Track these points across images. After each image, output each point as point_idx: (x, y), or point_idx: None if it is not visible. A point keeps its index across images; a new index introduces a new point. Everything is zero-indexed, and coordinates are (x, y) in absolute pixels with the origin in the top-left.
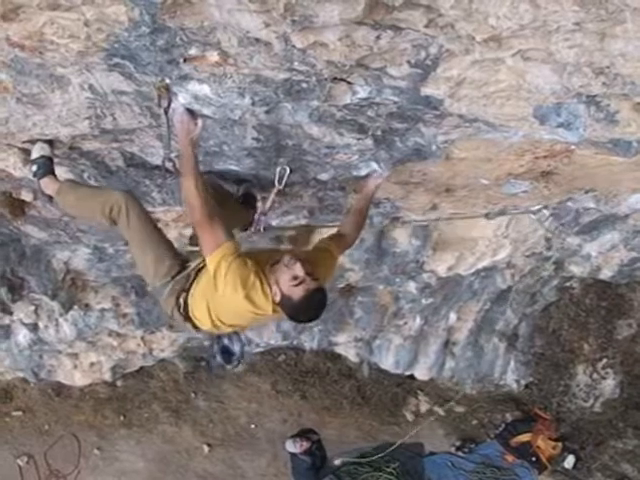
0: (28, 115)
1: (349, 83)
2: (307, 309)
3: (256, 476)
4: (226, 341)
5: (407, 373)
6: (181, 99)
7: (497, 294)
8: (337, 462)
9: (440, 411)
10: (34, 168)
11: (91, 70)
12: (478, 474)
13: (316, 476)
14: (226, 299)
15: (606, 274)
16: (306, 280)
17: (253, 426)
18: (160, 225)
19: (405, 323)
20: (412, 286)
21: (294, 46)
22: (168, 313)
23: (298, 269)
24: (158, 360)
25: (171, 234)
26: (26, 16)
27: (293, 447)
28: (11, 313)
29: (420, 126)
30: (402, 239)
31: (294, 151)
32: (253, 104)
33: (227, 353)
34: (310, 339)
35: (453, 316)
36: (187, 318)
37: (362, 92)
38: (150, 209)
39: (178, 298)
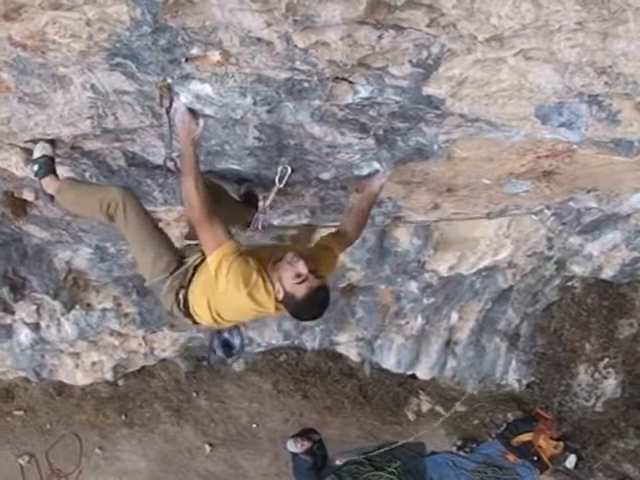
0: (30, 115)
1: (351, 83)
2: (310, 307)
3: (258, 476)
4: (226, 335)
5: (409, 373)
6: (183, 99)
7: (498, 294)
8: (338, 462)
9: (442, 411)
10: (36, 168)
11: (93, 70)
12: (479, 474)
13: (317, 476)
14: (228, 297)
15: (608, 274)
16: (309, 278)
17: (254, 426)
18: (162, 224)
19: (407, 323)
20: (413, 286)
21: (296, 46)
22: (167, 309)
23: (301, 267)
24: (159, 360)
25: (173, 233)
26: (28, 15)
27: (294, 447)
28: (13, 313)
29: (422, 126)
30: (404, 239)
31: (296, 150)
32: (255, 104)
33: (227, 347)
34: (311, 339)
35: (454, 316)
36: (187, 314)
37: (364, 92)
38: (152, 209)
39: (177, 294)
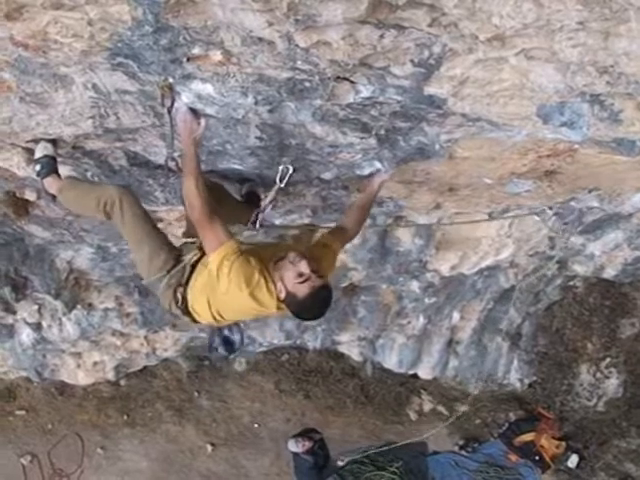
0: (31, 114)
1: (352, 82)
2: (312, 306)
3: (259, 475)
4: (226, 332)
5: (410, 372)
6: (184, 98)
7: (500, 293)
8: (340, 461)
9: (444, 410)
10: (37, 167)
11: (94, 69)
12: (481, 473)
13: (319, 475)
14: (229, 297)
15: (610, 273)
16: (312, 277)
17: (256, 425)
18: (163, 224)
19: (408, 322)
20: (415, 285)
21: (297, 45)
22: (166, 307)
23: (304, 266)
24: (161, 359)
25: (174, 233)
26: (30, 15)
27: (295, 447)
28: (14, 312)
29: (423, 125)
30: (405, 238)
31: (297, 150)
32: (256, 103)
33: (228, 343)
34: (313, 338)
35: (456, 315)
36: (186, 312)
37: (365, 91)
38: (153, 208)
39: (175, 292)
